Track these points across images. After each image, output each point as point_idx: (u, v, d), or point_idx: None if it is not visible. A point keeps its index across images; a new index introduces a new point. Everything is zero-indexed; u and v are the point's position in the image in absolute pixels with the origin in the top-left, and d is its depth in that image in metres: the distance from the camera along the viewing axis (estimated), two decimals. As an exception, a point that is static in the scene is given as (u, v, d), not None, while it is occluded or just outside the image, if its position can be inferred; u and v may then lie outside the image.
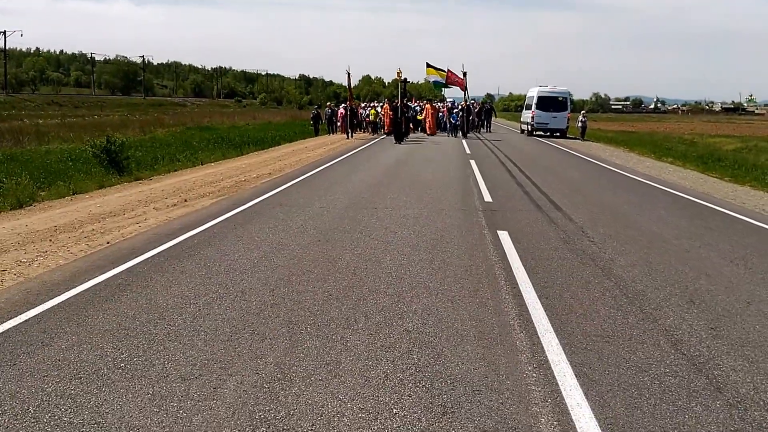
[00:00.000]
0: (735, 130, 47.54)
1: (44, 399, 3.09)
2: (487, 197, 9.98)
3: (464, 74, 28.05)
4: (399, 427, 2.86)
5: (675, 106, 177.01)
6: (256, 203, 9.09)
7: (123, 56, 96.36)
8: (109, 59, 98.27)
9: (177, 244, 6.47)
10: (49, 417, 2.91)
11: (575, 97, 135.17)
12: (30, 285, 5.07)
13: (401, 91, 26.25)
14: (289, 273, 5.39)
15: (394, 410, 3.02)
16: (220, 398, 3.11)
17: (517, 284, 5.13)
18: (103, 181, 11.85)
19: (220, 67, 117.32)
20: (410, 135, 26.55)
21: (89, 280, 5.15)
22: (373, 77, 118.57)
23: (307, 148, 20.62)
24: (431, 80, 30.29)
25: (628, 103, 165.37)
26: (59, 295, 4.75)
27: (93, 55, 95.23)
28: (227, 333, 3.99)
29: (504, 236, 6.93)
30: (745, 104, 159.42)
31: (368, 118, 29.88)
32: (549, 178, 12.90)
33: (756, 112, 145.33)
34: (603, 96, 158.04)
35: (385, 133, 27.51)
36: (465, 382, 3.33)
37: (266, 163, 15.54)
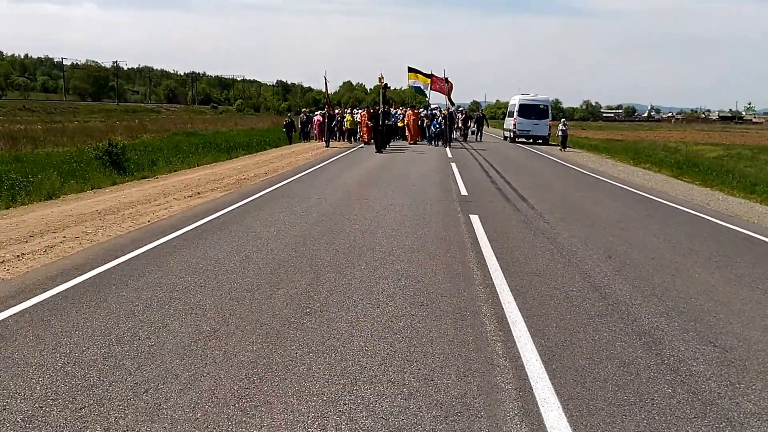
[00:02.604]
0: (727, 139, 50.42)
1: (147, 305, 5.04)
2: (464, 192, 12.10)
3: (446, 80, 29.07)
4: (395, 312, 4.86)
5: (669, 114, 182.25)
6: (261, 195, 11.08)
7: (93, 61, 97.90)
8: (78, 64, 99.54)
9: (207, 222, 8.43)
10: (152, 314, 4.87)
11: (564, 105, 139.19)
12: (104, 246, 6.99)
13: (382, 97, 26.61)
14: (304, 239, 7.40)
15: (390, 306, 5.02)
16: (275, 299, 5.09)
17: (480, 247, 7.18)
18: (115, 179, 13.73)
19: (194, 73, 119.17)
20: (391, 143, 26.65)
21: (149, 243, 7.09)
22: (354, 83, 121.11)
23: (294, 153, 22.62)
24: (413, 85, 30.56)
25: (620, 111, 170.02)
26: (131, 252, 6.69)
27: (63, 59, 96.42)
28: (270, 269, 5.98)
29: (475, 218, 9.00)
30: (743, 113, 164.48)
31: (344, 126, 29.45)
32: (522, 179, 15.08)
33: (753, 120, 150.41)
34: (594, 104, 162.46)
35: (364, 142, 27.65)
36: (437, 293, 5.35)
37: (259, 165, 17.50)
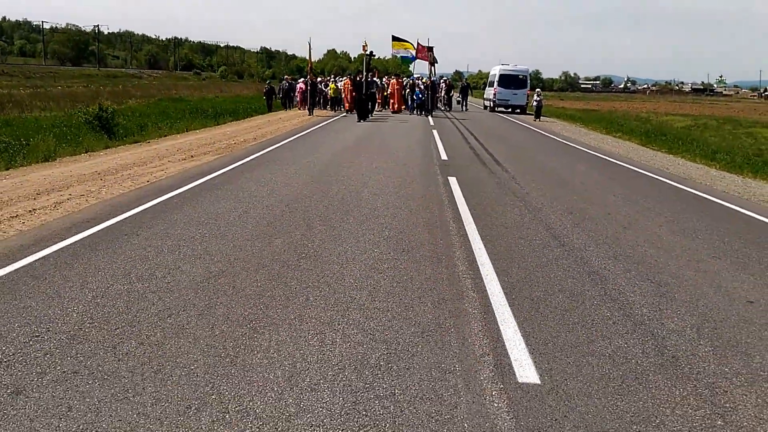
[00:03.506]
0: (696, 110, 51.44)
1: (159, 251, 5.58)
2: (444, 157, 12.67)
3: (430, 49, 28.88)
4: (380, 256, 5.46)
5: (645, 86, 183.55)
6: (252, 159, 11.53)
7: (74, 25, 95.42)
8: (57, 28, 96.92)
9: (204, 182, 8.90)
10: (162, 259, 5.42)
11: (544, 76, 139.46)
12: (109, 202, 7.46)
13: (366, 65, 26.30)
14: (296, 197, 7.93)
15: (375, 251, 5.61)
16: (274, 246, 5.65)
17: (456, 205, 7.78)
18: (107, 143, 14.03)
19: (176, 38, 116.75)
20: (374, 112, 26.51)
21: (152, 200, 7.57)
22: (338, 51, 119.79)
23: (281, 119, 22.90)
24: (398, 55, 30.18)
25: (597, 82, 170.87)
26: (137, 207, 7.17)
27: (42, 23, 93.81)
28: (267, 222, 6.53)
29: (453, 180, 9.59)
30: (715, 85, 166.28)
31: (327, 94, 29.27)
32: (499, 146, 15.68)
33: (724, 92, 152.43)
34: (572, 75, 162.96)
35: (346, 111, 27.44)
36: (417, 242, 5.95)
37: (247, 131, 17.84)
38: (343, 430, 2.74)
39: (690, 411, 3.04)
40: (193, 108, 25.61)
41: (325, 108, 29.42)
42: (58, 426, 2.72)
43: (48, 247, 5.49)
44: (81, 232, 6.02)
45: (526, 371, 3.34)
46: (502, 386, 3.17)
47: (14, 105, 22.48)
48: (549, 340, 3.77)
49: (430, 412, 2.91)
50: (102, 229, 6.15)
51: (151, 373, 3.21)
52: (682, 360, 3.60)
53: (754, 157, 15.80)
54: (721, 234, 6.87)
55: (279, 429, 2.74)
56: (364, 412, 2.89)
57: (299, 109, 28.64)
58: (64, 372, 3.21)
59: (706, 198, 9.35)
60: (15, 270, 4.83)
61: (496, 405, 2.99)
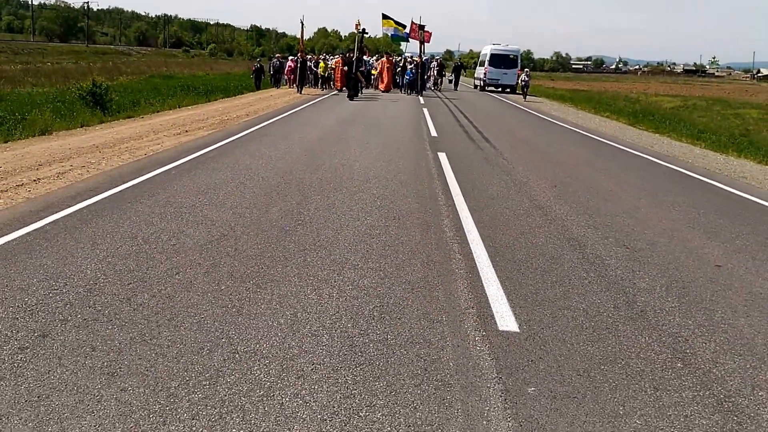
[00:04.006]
0: (687, 91, 51.69)
1: (162, 217, 5.84)
2: (434, 134, 12.93)
3: (421, 27, 28.36)
4: (372, 223, 5.75)
5: (637, 67, 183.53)
6: (246, 134, 11.73)
7: (63, 1, 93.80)
8: (46, 4, 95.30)
9: (200, 155, 9.12)
10: (164, 225, 5.68)
11: (536, 56, 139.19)
12: (110, 173, 7.68)
13: (359, 44, 26.15)
14: (291, 169, 8.19)
15: (368, 219, 5.90)
16: (271, 213, 5.92)
17: (445, 177, 8.08)
18: (102, 118, 14.14)
19: (166, 15, 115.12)
20: (363, 91, 26.28)
21: (151, 171, 7.79)
22: (329, 30, 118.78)
23: (272, 96, 22.99)
24: (388, 33, 29.76)
25: (589, 63, 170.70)
26: (137, 178, 7.40)
27: (31, 0, 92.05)
28: (263, 192, 6.79)
29: (442, 155, 9.87)
30: (707, 66, 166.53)
31: (316, 71, 28.97)
32: (488, 123, 15.96)
33: (716, 74, 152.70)
34: (564, 55, 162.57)
35: (337, 89, 27.02)
36: (407, 210, 6.25)
37: (239, 108, 17.96)
38: (341, 368, 3.06)
39: (653, 355, 3.38)
40: (184, 85, 25.56)
41: (316, 86, 29.32)
42: (84, 363, 3.02)
43: (56, 212, 5.72)
44: (86, 199, 6.26)
45: (506, 321, 3.66)
46: (484, 333, 3.50)
47: (6, 80, 22.37)
48: (528, 296, 4.11)
49: (419, 353, 3.23)
50: (106, 198, 6.39)
51: (165, 321, 3.50)
52: (649, 314, 3.95)
53: (740, 137, 16.17)
54: (698, 206, 7.23)
55: (284, 367, 3.04)
56: (359, 354, 3.20)
57: (289, 87, 28.53)
58: (85, 319, 3.50)
59: (686, 174, 9.71)
60: (28, 233, 5.08)
61: (478, 348, 3.32)
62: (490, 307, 3.87)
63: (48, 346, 3.18)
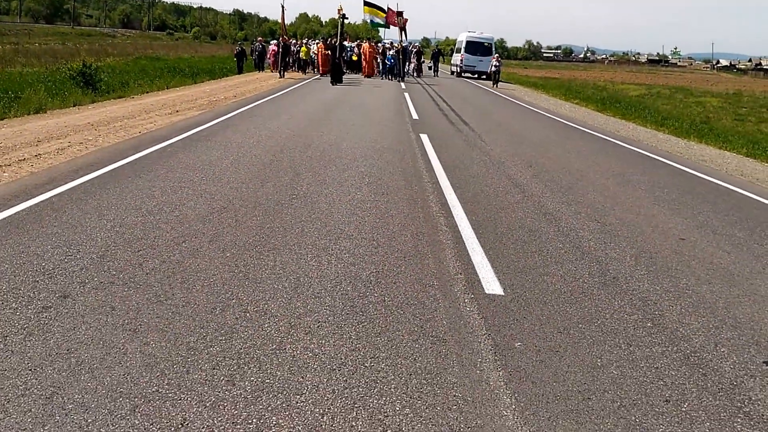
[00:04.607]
0: (651, 80, 52.41)
1: (163, 191, 5.89)
2: (415, 116, 13.04)
3: (399, 14, 27.91)
4: (363, 198, 5.87)
5: (604, 56, 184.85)
6: (235, 114, 11.69)
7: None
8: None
9: (193, 133, 9.10)
10: (163, 197, 5.73)
11: (509, 45, 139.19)
12: (108, 150, 7.64)
13: (341, 29, 25.78)
14: (281, 148, 8.24)
15: (358, 194, 6.02)
16: (267, 188, 6.00)
17: (428, 157, 8.21)
18: (93, 97, 13.92)
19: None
20: (345, 76, 25.08)
21: (147, 148, 7.77)
22: (310, 15, 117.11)
23: (257, 80, 22.76)
24: (369, 19, 29.05)
25: (559, 51, 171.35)
26: (135, 154, 7.38)
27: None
28: (257, 168, 6.85)
29: (424, 137, 10.00)
30: (670, 56, 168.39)
31: (298, 56, 28.36)
32: (466, 108, 16.10)
33: (678, 64, 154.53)
34: (535, 44, 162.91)
35: (320, 74, 26.42)
36: (394, 187, 6.38)
37: (226, 90, 17.78)
38: (343, 325, 3.20)
39: (625, 316, 3.60)
40: (170, 66, 25.16)
41: (299, 71, 28.70)
42: (106, 321, 3.11)
43: (61, 185, 5.72)
44: (88, 174, 6.25)
45: (492, 286, 3.84)
46: (472, 296, 3.67)
47: (-5, 59, 21.75)
48: (511, 264, 4.29)
49: (415, 313, 3.39)
50: (107, 172, 6.39)
51: (177, 284, 3.60)
52: (621, 280, 4.17)
53: (701, 123, 16.59)
54: (661, 186, 7.50)
55: (291, 324, 3.18)
56: (360, 313, 3.35)
57: (272, 71, 27.97)
58: (102, 282, 3.58)
59: (650, 156, 10.01)
60: (36, 204, 5.09)
61: (468, 309, 3.49)
62: (476, 273, 4.05)
63: (70, 305, 3.26)
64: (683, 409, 2.66)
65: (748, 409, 2.70)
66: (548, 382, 2.76)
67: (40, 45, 35.21)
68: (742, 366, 3.09)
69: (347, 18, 26.94)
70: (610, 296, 3.88)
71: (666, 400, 2.71)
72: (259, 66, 28.92)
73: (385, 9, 27.84)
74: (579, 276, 4.18)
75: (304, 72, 28.26)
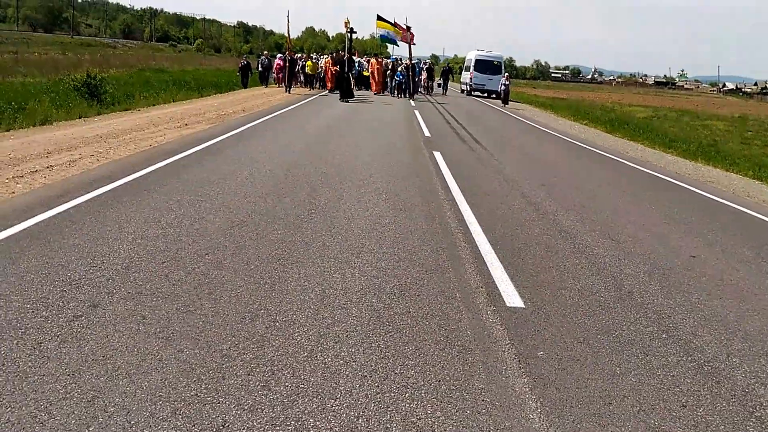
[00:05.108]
0: (658, 102, 53.09)
1: (180, 204, 6.09)
2: (428, 134, 13.31)
3: (408, 28, 27.73)
4: (381, 213, 6.07)
5: (611, 77, 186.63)
6: (246, 128, 11.96)
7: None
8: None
9: (205, 147, 9.34)
10: (182, 208, 5.94)
11: (517, 63, 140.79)
12: (120, 162, 7.86)
13: (348, 43, 25.77)
14: (295, 163, 8.46)
15: (376, 210, 6.22)
16: (284, 203, 6.20)
17: (443, 174, 8.43)
18: (99, 109, 14.22)
19: (152, 9, 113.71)
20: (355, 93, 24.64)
21: (160, 162, 8.00)
22: (317, 29, 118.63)
23: (264, 94, 23.14)
24: (381, 34, 28.64)
25: (567, 72, 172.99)
26: (148, 167, 7.60)
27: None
28: (273, 183, 7.07)
29: (437, 154, 10.23)
30: (677, 79, 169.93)
31: (304, 70, 28.26)
32: (478, 126, 16.39)
33: (685, 86, 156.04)
34: (544, 64, 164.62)
35: (327, 90, 26.48)
36: (411, 203, 6.58)
37: (233, 104, 18.11)
38: (372, 334, 3.38)
39: (641, 328, 3.77)
40: (175, 79, 25.53)
41: (305, 86, 28.80)
42: (138, 329, 3.28)
43: (77, 197, 5.92)
44: (103, 186, 6.46)
45: (512, 299, 4.02)
46: (494, 308, 3.85)
47: (-4, 70, 22.14)
48: (530, 278, 4.47)
49: (440, 324, 3.56)
50: (122, 185, 6.60)
51: (205, 294, 3.78)
52: (635, 295, 4.35)
53: (708, 146, 16.88)
54: (672, 205, 7.71)
55: (321, 333, 3.35)
56: (387, 323, 3.53)
57: (278, 85, 28.21)
58: (129, 292, 3.76)
59: (660, 177, 10.22)
60: (54, 215, 5.28)
61: (491, 320, 3.67)
62: (496, 287, 4.23)
63: (100, 314, 3.44)
64: (699, 413, 2.84)
65: (759, 414, 2.89)
66: (571, 388, 2.93)
67: (40, 55, 35.73)
68: (754, 375, 3.27)
69: (355, 32, 27.06)
70: (626, 309, 4.05)
71: (683, 405, 2.89)
72: (264, 80, 29.22)
73: (395, 24, 27.68)
74: (596, 290, 4.35)
75: (311, 87, 28.35)
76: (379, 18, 27.47)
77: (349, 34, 25.83)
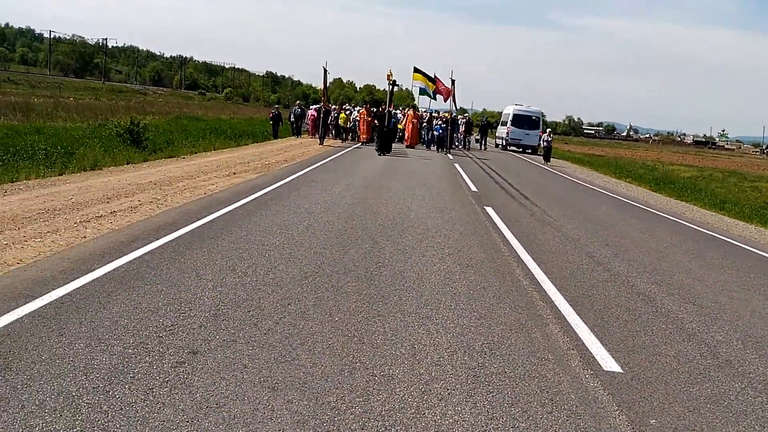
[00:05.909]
0: (700, 162, 53.07)
1: (249, 253, 6.30)
2: (474, 188, 13.53)
3: (452, 82, 27.64)
4: (449, 269, 6.18)
5: (647, 135, 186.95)
6: (293, 179, 12.32)
7: (79, 36, 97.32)
8: (62, 38, 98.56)
9: (258, 197, 9.66)
10: (251, 251, 6.14)
11: (548, 119, 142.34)
12: (180, 210, 8.17)
13: (390, 95, 26.02)
14: (350, 216, 8.69)
15: (443, 265, 6.34)
16: (349, 255, 6.37)
17: (500, 230, 8.56)
18: (145, 156, 14.81)
19: (182, 57, 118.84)
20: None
21: (218, 210, 8.28)
22: (344, 81, 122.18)
23: (302, 144, 23.80)
24: (417, 87, 28.18)
25: (600, 128, 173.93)
26: (207, 216, 7.88)
27: (52, 33, 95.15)
28: (334, 235, 7.27)
29: (490, 209, 10.40)
30: (717, 138, 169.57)
31: (336, 122, 28.27)
32: (522, 182, 16.59)
33: (726, 147, 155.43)
34: (576, 119, 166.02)
35: (362, 142, 26.63)
36: (477, 259, 6.70)
37: (274, 154, 18.67)
38: (473, 393, 3.45)
39: (749, 398, 3.77)
40: (211, 127, 26.49)
41: (337, 138, 28.61)
42: (242, 378, 3.41)
43: (147, 244, 6.18)
44: (170, 233, 6.73)
45: (608, 363, 4.07)
46: (592, 372, 3.90)
47: (37, 114, 23.25)
48: (620, 342, 4.51)
49: (540, 386, 3.62)
50: (188, 232, 6.86)
51: (297, 344, 3.91)
52: (734, 363, 4.35)
53: (761, 209, 16.79)
54: (746, 270, 7.68)
55: (422, 390, 3.44)
56: (486, 383, 3.60)
57: (310, 136, 28.41)
58: (225, 340, 3.91)
59: (725, 240, 10.20)
60: (131, 261, 5.52)
61: (592, 384, 3.71)
62: (587, 349, 4.28)
63: (202, 361, 3.58)
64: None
65: None
66: (696, 461, 2.95)
67: (75, 99, 37.38)
68: None
69: (398, 85, 27.16)
70: (729, 378, 4.05)
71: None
72: (297, 131, 29.55)
73: (433, 77, 27.81)
74: (691, 357, 4.37)
75: (343, 140, 28.26)
76: (416, 70, 27.61)
77: (391, 87, 26.10)
